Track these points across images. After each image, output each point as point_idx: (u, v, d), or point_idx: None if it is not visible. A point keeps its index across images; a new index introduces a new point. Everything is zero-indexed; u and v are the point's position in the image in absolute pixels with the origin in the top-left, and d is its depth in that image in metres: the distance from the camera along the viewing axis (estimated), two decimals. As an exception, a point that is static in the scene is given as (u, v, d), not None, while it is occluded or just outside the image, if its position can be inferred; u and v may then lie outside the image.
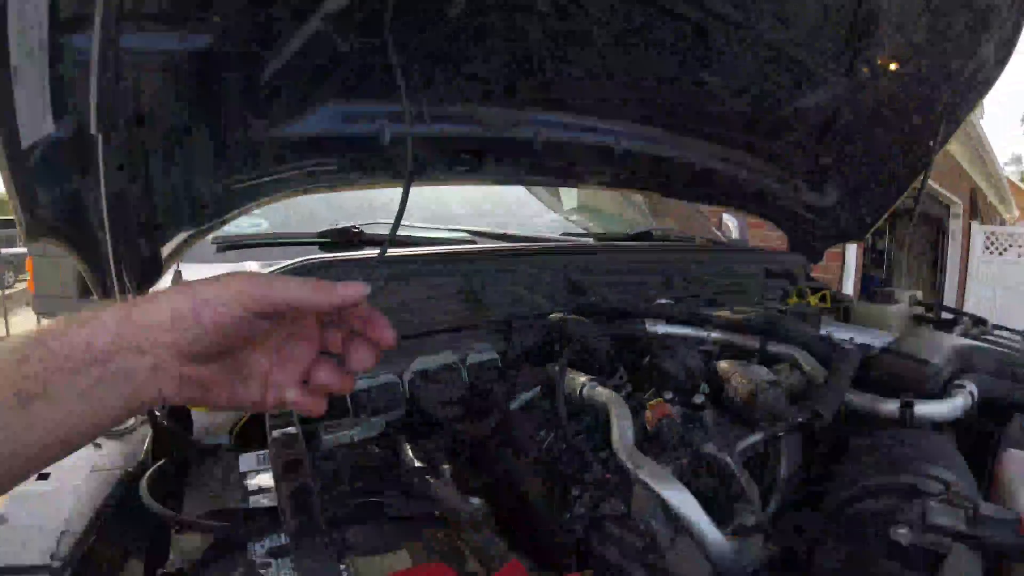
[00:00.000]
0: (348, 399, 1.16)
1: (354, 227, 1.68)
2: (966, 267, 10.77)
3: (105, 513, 0.90)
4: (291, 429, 0.90)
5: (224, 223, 1.34)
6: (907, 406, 1.03)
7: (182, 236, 1.21)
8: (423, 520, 0.82)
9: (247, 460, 1.00)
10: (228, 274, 0.56)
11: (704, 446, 0.89)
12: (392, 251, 1.28)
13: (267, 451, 0.96)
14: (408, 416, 1.19)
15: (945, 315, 2.01)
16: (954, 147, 7.96)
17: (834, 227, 2.34)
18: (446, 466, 0.94)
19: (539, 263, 1.51)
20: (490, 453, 1.06)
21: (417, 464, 0.93)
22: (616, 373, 1.13)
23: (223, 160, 1.26)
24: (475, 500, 0.95)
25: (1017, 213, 14.91)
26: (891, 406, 1.05)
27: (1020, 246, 11.03)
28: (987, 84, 1.85)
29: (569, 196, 2.71)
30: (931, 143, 1.97)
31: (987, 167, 10.67)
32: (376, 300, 0.60)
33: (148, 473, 0.93)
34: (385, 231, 1.79)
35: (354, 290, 0.58)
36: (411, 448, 0.97)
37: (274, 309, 0.56)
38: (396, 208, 1.26)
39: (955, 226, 10.58)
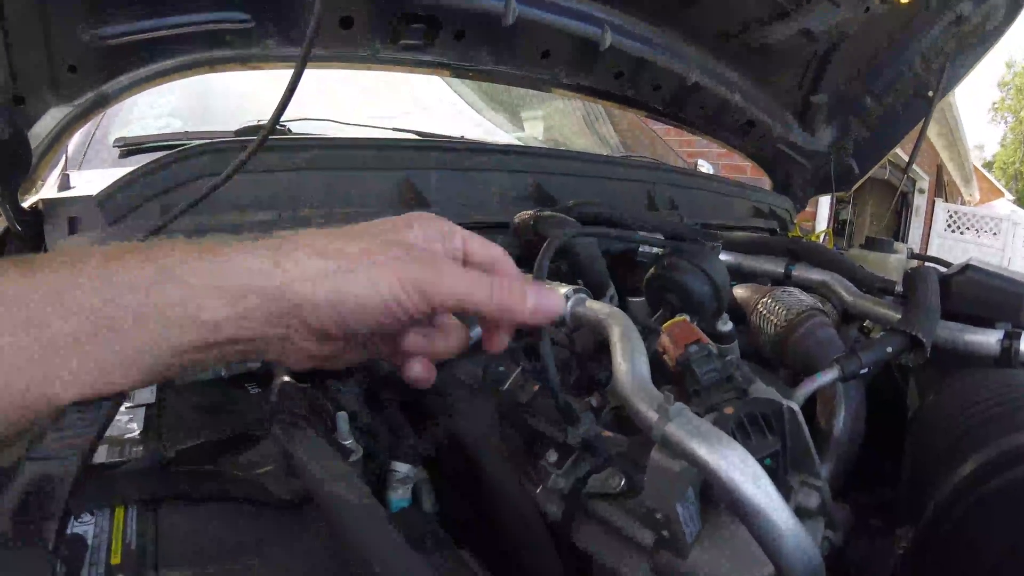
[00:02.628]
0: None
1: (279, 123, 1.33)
2: (927, 243, 10.82)
3: None
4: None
5: (105, 99, 1.02)
6: (1012, 337, 0.75)
7: (54, 114, 0.94)
8: (293, 507, 0.48)
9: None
10: (384, 243, 0.45)
11: (754, 387, 0.58)
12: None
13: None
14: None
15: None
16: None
17: (822, 174, 2.17)
18: (342, 414, 0.60)
19: (500, 163, 1.18)
20: (429, 402, 0.73)
21: (288, 406, 0.58)
22: (606, 294, 0.81)
23: (90, 4, 0.93)
24: (400, 467, 0.63)
25: (978, 196, 15.12)
26: (986, 337, 0.76)
27: (979, 228, 11.19)
28: (994, 36, 1.72)
29: (533, 126, 2.41)
30: (930, 93, 1.83)
31: (956, 148, 10.67)
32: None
33: None
34: (316, 128, 1.47)
35: (553, 303, 0.50)
36: (287, 380, 0.63)
37: (431, 309, 0.45)
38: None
39: (920, 202, 10.57)
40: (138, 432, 0.59)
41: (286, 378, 0.63)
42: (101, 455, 0.55)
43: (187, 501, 0.48)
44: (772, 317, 0.84)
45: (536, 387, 0.65)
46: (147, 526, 0.46)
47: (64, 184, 1.04)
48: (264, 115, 1.37)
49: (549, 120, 2.43)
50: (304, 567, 0.44)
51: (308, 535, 0.46)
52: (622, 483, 0.58)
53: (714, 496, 0.56)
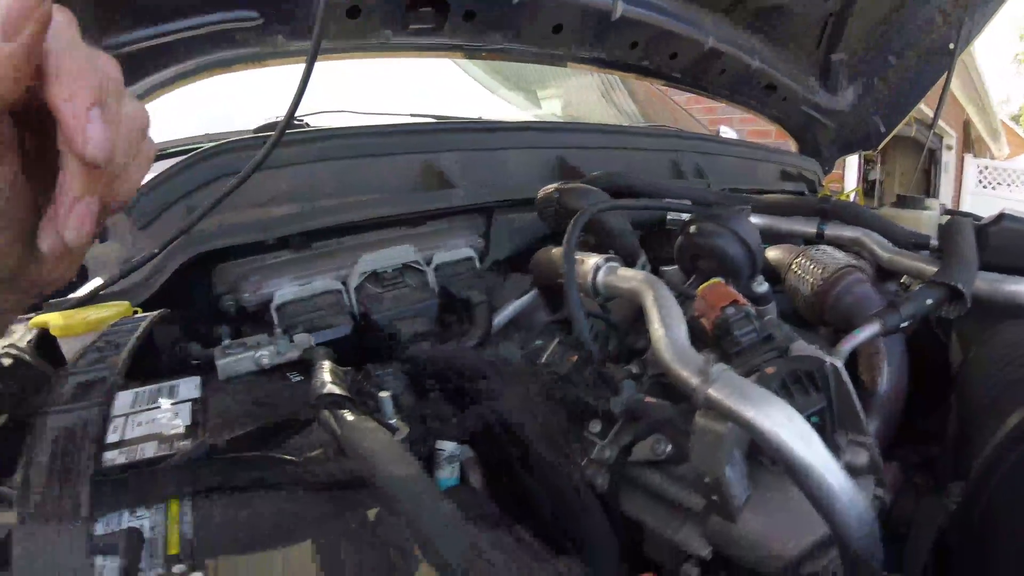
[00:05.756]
0: (273, 313, 0.83)
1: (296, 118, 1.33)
2: (959, 200, 10.57)
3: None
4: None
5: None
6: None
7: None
8: (343, 488, 0.49)
9: (122, 400, 0.67)
10: None
11: (795, 346, 0.57)
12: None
13: (152, 385, 0.65)
14: (357, 334, 0.87)
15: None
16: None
17: (847, 133, 2.16)
18: (385, 394, 0.60)
19: (522, 141, 1.17)
20: (470, 382, 0.73)
21: (332, 389, 0.58)
22: (638, 262, 0.81)
23: (99, 12, 0.92)
24: (447, 446, 0.63)
25: (1007, 150, 14.70)
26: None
27: (1012, 182, 10.91)
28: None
29: (550, 104, 2.39)
30: (952, 45, 1.81)
31: (982, 102, 10.37)
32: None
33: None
34: (333, 122, 1.47)
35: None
36: (331, 368, 0.63)
37: None
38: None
39: (948, 158, 10.32)
40: (184, 427, 0.60)
41: (327, 363, 0.64)
42: (150, 450, 0.56)
43: (240, 488, 0.49)
44: (808, 276, 0.82)
45: (574, 358, 0.65)
46: (202, 515, 0.47)
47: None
48: (280, 113, 1.37)
49: (567, 97, 2.41)
50: (357, 547, 0.44)
51: (360, 514, 0.46)
52: (668, 449, 0.58)
53: (762, 457, 0.55)
